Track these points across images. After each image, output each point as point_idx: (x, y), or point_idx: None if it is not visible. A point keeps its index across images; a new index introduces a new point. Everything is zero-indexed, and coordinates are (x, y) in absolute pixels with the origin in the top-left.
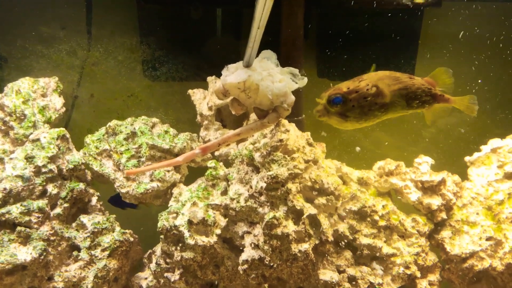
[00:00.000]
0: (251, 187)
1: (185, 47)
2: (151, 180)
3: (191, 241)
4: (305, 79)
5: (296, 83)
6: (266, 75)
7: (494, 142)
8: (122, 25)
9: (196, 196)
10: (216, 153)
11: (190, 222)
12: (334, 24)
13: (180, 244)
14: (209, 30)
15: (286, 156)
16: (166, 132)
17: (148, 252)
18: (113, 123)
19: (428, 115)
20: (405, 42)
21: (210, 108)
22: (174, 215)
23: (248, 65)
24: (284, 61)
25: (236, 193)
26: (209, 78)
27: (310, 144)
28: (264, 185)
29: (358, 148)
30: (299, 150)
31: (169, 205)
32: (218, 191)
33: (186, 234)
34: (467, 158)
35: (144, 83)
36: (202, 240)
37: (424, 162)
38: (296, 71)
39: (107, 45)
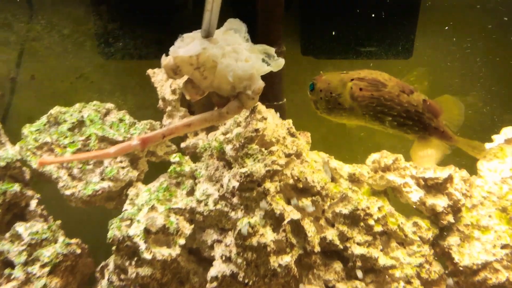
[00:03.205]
0: (221, 186)
1: (146, 19)
2: (102, 179)
3: (147, 256)
4: (281, 61)
5: (269, 65)
6: (230, 50)
7: (508, 131)
8: None
9: (156, 198)
10: (182, 145)
11: (147, 231)
12: None
13: (135, 258)
14: None
15: (263, 149)
16: (121, 120)
17: (100, 265)
18: (55, 110)
19: (416, 149)
20: (404, 13)
21: (173, 92)
22: (128, 222)
23: (207, 35)
24: (261, 36)
25: (204, 194)
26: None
27: (292, 134)
28: (236, 184)
29: None
30: (278, 142)
31: (123, 209)
32: (183, 191)
33: (142, 246)
34: None
35: (96, 61)
36: (162, 253)
37: None
38: (271, 50)
39: (50, 17)
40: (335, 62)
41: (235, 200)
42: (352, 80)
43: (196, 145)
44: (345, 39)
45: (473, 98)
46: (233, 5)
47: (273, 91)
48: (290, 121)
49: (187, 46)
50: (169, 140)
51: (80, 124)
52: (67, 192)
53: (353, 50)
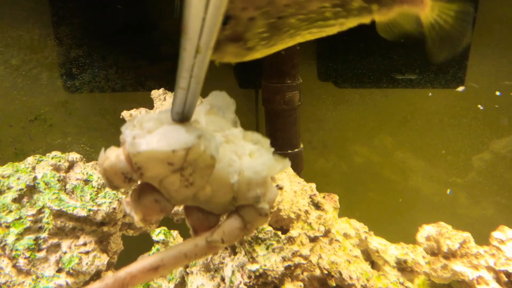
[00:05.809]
0: (222, 279)
1: (120, 41)
2: (58, 271)
3: None
4: (287, 162)
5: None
6: (222, 141)
7: None
8: (18, 10)
9: None
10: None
11: None
12: None
13: None
14: (158, 12)
15: (279, 233)
16: (87, 182)
17: None
18: None
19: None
20: None
21: None
22: None
23: (183, 119)
24: (268, 68)
25: None
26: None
27: (316, 205)
28: (243, 287)
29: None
30: (299, 218)
31: None
32: (171, 285)
33: None
34: None
35: (55, 99)
36: None
37: (509, 239)
38: (265, 141)
39: None
40: (362, 91)
41: None
42: None
43: None
44: (376, 62)
45: None
46: None
47: (286, 136)
48: (313, 186)
49: (156, 134)
50: None
51: (30, 190)
52: None
53: (387, 77)
